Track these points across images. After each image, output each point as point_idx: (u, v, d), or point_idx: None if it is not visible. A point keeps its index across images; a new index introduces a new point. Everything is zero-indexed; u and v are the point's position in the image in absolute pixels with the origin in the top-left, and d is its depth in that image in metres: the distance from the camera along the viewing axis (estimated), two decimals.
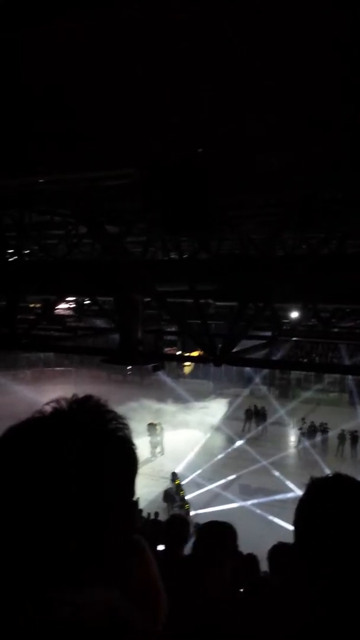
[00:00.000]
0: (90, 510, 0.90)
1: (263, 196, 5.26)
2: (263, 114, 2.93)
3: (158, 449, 23.86)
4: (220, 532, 3.38)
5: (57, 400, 1.00)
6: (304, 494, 1.30)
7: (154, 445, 23.69)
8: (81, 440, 0.93)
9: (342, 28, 2.06)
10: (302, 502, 1.29)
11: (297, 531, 1.27)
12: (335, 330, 10.71)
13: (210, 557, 3.17)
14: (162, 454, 23.64)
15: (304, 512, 1.27)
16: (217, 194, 3.99)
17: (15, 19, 1.93)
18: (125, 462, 0.99)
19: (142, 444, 22.64)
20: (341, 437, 24.58)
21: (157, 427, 23.86)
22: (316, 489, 1.29)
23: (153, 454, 23.62)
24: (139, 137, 3.36)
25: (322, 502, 1.25)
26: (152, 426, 23.64)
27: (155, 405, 28.77)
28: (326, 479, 1.31)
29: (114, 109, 2.92)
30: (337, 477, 1.31)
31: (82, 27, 2.03)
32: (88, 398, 1.03)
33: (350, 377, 30.71)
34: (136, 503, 1.07)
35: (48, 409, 0.99)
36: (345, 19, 2.00)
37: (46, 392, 28.32)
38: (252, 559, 7.09)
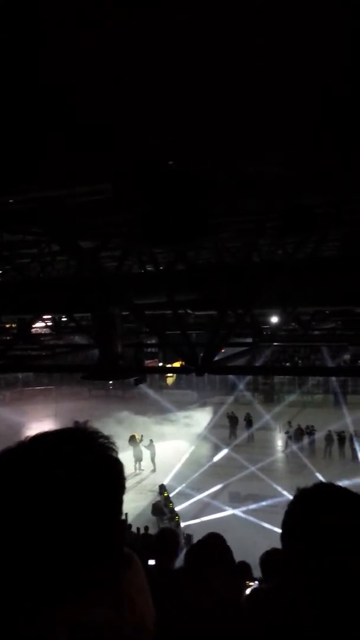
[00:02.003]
0: (79, 528, 0.90)
1: (247, 203, 5.28)
2: (250, 121, 2.94)
3: (144, 463, 23.70)
4: (208, 546, 3.36)
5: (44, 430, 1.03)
6: (290, 506, 1.28)
7: (137, 458, 23.52)
8: (68, 461, 0.93)
9: (340, 36, 2.10)
10: (288, 515, 1.27)
11: (284, 543, 1.26)
12: (316, 332, 10.78)
13: (198, 572, 3.15)
14: (154, 471, 23.39)
15: (290, 524, 1.26)
16: (208, 202, 4.00)
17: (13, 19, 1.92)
18: (113, 480, 0.99)
19: (126, 458, 22.53)
20: (328, 438, 24.72)
21: (138, 439, 23.67)
22: (301, 500, 1.27)
23: (138, 467, 23.46)
24: (120, 148, 3.34)
25: (307, 514, 1.23)
26: (133, 439, 23.48)
27: (138, 418, 28.67)
28: (311, 489, 1.29)
29: (93, 116, 2.89)
30: (322, 486, 1.29)
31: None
32: (75, 424, 1.04)
33: (334, 378, 30.95)
34: (125, 521, 1.07)
35: (33, 435, 1.00)
36: (344, 26, 2.03)
37: (27, 413, 28.21)
38: (244, 567, 7.06)
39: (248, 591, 5.00)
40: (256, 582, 6.30)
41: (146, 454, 23.78)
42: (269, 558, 5.43)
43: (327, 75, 2.45)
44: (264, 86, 2.58)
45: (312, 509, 1.23)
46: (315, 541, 1.17)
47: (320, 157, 3.65)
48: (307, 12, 1.94)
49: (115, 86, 2.58)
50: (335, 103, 2.75)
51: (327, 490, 1.28)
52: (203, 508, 19.00)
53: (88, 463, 0.95)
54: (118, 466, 1.01)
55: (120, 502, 1.00)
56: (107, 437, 1.02)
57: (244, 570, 6.94)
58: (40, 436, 0.99)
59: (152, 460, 23.79)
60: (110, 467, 0.99)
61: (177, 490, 20.29)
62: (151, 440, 24.07)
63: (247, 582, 6.19)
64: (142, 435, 24.06)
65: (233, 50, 2.23)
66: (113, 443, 1.02)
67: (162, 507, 18.14)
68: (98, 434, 1.01)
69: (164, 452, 24.37)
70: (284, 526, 1.26)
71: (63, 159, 3.56)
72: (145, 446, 23.72)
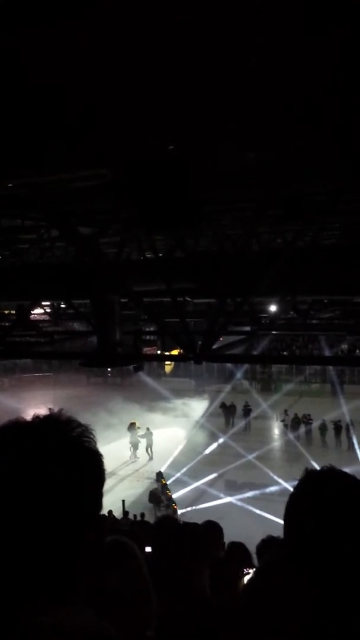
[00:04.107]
0: (59, 521, 0.88)
1: (240, 192, 5.25)
2: (243, 110, 2.94)
3: (140, 451, 23.74)
4: (183, 536, 3.35)
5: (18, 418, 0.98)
6: (296, 488, 1.27)
7: (135, 446, 23.57)
8: (45, 450, 0.91)
9: (336, 34, 2.11)
10: (294, 496, 1.26)
11: (289, 526, 1.24)
12: (314, 321, 10.78)
13: (176, 562, 3.15)
14: (151, 460, 23.35)
15: (296, 505, 1.24)
16: (196, 190, 3.98)
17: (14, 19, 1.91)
18: (92, 472, 0.96)
19: (123, 445, 22.62)
20: (322, 427, 24.78)
21: (139, 428, 23.75)
22: (308, 483, 1.26)
23: (135, 455, 23.52)
24: (115, 135, 3.33)
25: (315, 496, 1.22)
26: (133, 426, 23.54)
27: (136, 405, 28.72)
28: (318, 472, 1.28)
29: (91, 108, 2.88)
30: (330, 471, 1.28)
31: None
32: (51, 412, 1.00)
33: (331, 367, 31.01)
34: (104, 516, 1.04)
35: (9, 424, 0.96)
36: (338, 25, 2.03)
37: (25, 399, 28.29)
38: (243, 554, 7.07)
39: (246, 579, 5.01)
40: (254, 569, 6.31)
41: (143, 442, 23.80)
42: (265, 546, 5.43)
43: (325, 71, 2.45)
44: (263, 84, 2.58)
45: (319, 492, 1.22)
46: (321, 522, 1.16)
47: (320, 148, 3.66)
48: (305, 13, 1.93)
49: (115, 85, 2.57)
50: (333, 97, 2.76)
51: (333, 474, 1.27)
52: (199, 496, 19.10)
53: (63, 459, 0.91)
54: (96, 459, 0.97)
55: (100, 497, 0.97)
56: (84, 427, 0.98)
57: (243, 558, 6.95)
58: (12, 428, 0.94)
59: (150, 448, 23.78)
60: (88, 461, 0.95)
61: (174, 478, 20.38)
62: (148, 429, 24.09)
63: (246, 569, 6.20)
64: (138, 426, 24.02)
65: (233, 50, 2.21)
66: (91, 433, 0.98)
67: (159, 494, 18.22)
68: (74, 425, 0.97)
69: (161, 439, 24.44)
70: (289, 506, 1.25)
71: (62, 148, 3.55)
72: (140, 435, 23.73)
